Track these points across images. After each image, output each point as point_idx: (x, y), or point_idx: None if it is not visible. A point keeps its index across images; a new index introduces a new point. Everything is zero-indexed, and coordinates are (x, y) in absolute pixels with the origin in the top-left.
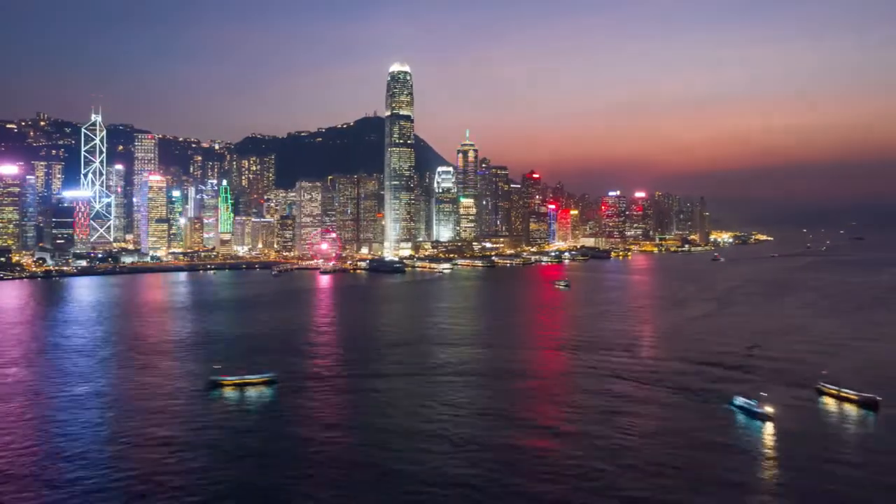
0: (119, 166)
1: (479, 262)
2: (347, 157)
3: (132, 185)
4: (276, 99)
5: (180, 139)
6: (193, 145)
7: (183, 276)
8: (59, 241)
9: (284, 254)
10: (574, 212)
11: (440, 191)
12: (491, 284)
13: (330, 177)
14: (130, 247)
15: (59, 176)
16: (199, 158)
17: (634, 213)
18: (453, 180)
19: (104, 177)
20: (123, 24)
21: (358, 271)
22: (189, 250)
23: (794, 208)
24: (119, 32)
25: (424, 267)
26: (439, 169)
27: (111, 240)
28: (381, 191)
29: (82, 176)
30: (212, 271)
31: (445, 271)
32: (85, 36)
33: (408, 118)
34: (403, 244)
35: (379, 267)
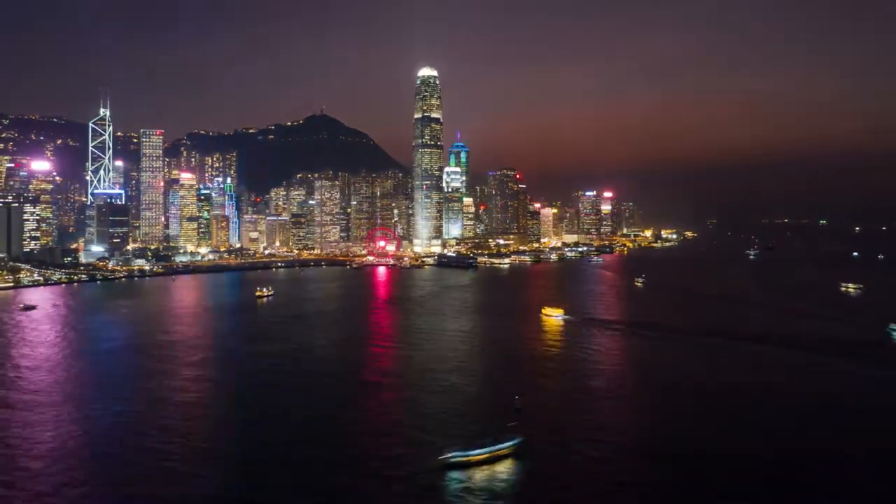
0: (119, 163)
1: (526, 258)
2: (304, 155)
3: (139, 181)
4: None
5: (118, 133)
6: (135, 140)
7: (277, 273)
8: (115, 241)
9: (301, 252)
10: (554, 210)
11: (449, 190)
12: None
13: (326, 173)
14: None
15: (22, 172)
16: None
17: (604, 211)
18: (461, 180)
19: (111, 173)
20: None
21: (424, 266)
22: (217, 248)
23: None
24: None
25: (484, 262)
26: (447, 169)
27: None
28: (393, 190)
29: (91, 172)
30: (282, 269)
31: (504, 266)
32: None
33: (437, 121)
34: (434, 241)
35: (450, 262)
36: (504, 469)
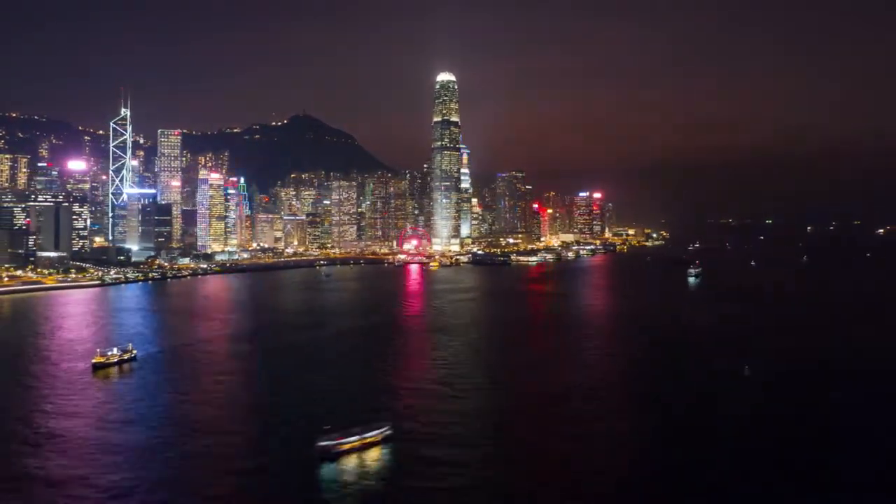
0: (134, 162)
1: (549, 255)
2: (292, 154)
3: (157, 180)
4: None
5: (100, 132)
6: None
7: (331, 270)
8: (160, 240)
9: (324, 250)
10: (550, 210)
11: (460, 191)
12: None
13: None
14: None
15: (24, 170)
16: (142, 153)
17: (594, 211)
18: (470, 181)
19: (130, 173)
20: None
21: (460, 264)
22: (244, 248)
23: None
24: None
25: (513, 261)
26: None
27: None
28: (406, 190)
29: (112, 172)
30: (324, 266)
31: (532, 263)
32: None
33: (456, 124)
34: (453, 240)
35: (484, 260)
36: None
